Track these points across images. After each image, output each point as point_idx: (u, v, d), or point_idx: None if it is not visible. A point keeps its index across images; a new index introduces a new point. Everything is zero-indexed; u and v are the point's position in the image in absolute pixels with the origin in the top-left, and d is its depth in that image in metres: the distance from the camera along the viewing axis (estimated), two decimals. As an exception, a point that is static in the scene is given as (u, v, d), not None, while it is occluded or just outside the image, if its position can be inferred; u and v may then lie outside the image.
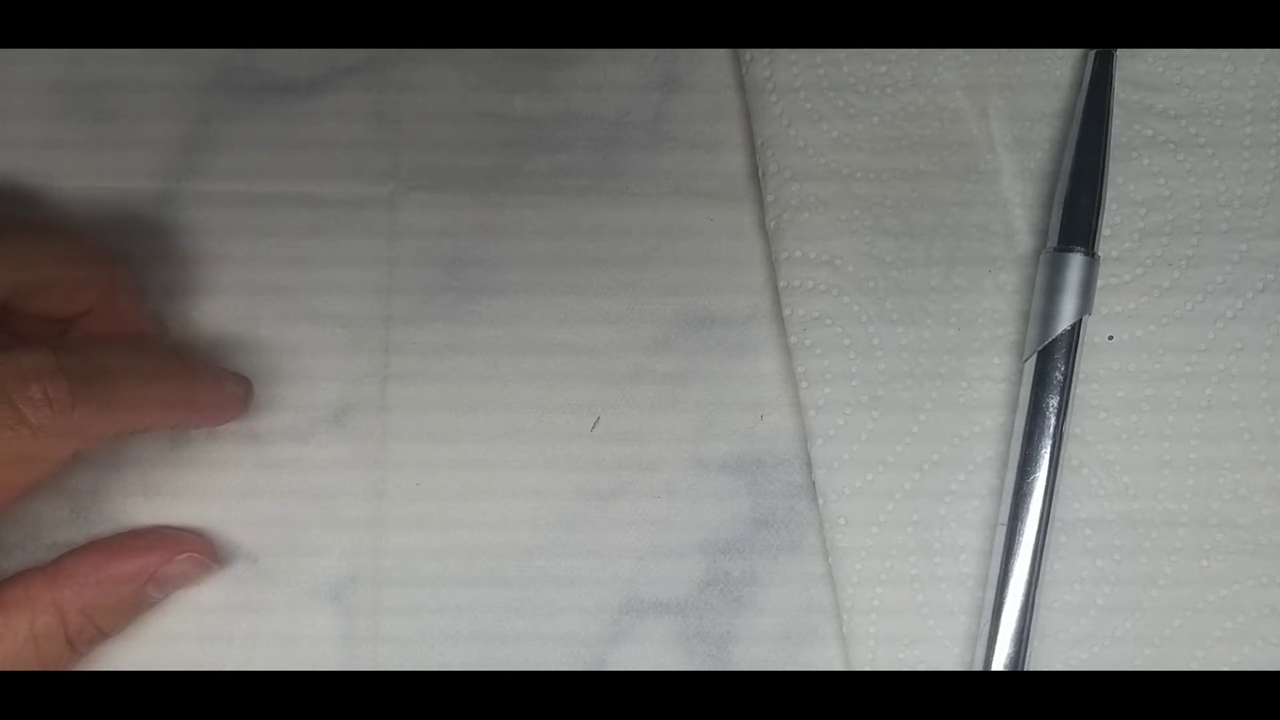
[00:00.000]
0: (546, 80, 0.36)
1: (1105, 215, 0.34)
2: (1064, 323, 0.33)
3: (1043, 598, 0.33)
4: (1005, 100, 0.35)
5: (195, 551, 0.34)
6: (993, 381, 0.35)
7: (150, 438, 0.35)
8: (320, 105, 0.36)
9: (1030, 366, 0.33)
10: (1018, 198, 0.35)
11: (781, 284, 0.35)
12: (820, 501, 0.34)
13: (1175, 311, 0.35)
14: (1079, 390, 0.34)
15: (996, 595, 0.33)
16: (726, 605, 0.35)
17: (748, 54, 0.35)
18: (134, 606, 0.33)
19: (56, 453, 0.30)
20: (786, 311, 0.35)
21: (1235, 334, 0.34)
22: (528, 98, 0.36)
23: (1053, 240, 0.34)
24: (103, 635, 0.33)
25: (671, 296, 0.36)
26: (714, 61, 0.36)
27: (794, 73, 0.35)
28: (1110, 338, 0.35)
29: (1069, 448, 0.34)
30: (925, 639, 0.34)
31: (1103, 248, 0.34)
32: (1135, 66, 0.35)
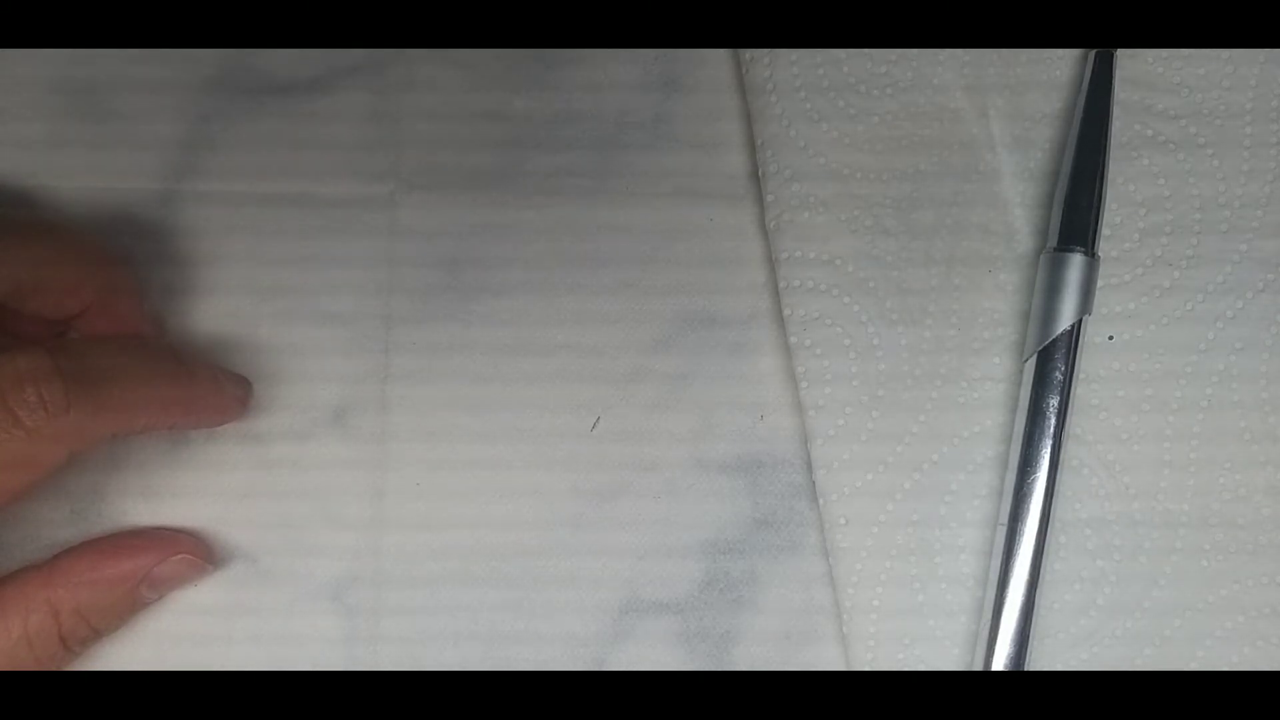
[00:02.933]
0: (546, 80, 0.36)
1: (1105, 215, 0.34)
2: (1064, 323, 0.33)
3: (1043, 598, 0.33)
4: (1005, 100, 0.35)
5: (190, 552, 0.34)
6: (993, 382, 0.35)
7: (149, 438, 0.35)
8: (320, 105, 0.36)
9: (1030, 367, 0.33)
10: (1018, 198, 0.35)
11: (781, 284, 0.35)
12: (820, 501, 0.34)
13: (1175, 311, 0.35)
14: (1079, 390, 0.34)
15: (997, 595, 0.33)
16: (726, 605, 0.35)
17: (748, 54, 0.35)
18: (128, 607, 0.33)
19: (51, 455, 0.30)
20: (786, 311, 0.35)
21: (1235, 334, 0.34)
22: (528, 98, 0.36)
23: (1053, 240, 0.34)
24: (97, 635, 0.33)
25: (671, 296, 0.36)
26: (714, 62, 0.36)
27: (794, 73, 0.35)
28: (1110, 338, 0.35)
29: (1069, 448, 0.34)
30: (925, 639, 0.34)
31: (1103, 248, 0.34)
32: (1135, 66, 0.35)
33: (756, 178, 0.35)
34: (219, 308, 0.35)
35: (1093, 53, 0.34)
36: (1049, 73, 0.35)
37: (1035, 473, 0.33)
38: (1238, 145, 0.35)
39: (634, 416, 0.35)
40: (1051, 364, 0.33)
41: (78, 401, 0.29)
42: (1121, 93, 0.35)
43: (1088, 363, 0.34)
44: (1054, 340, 0.33)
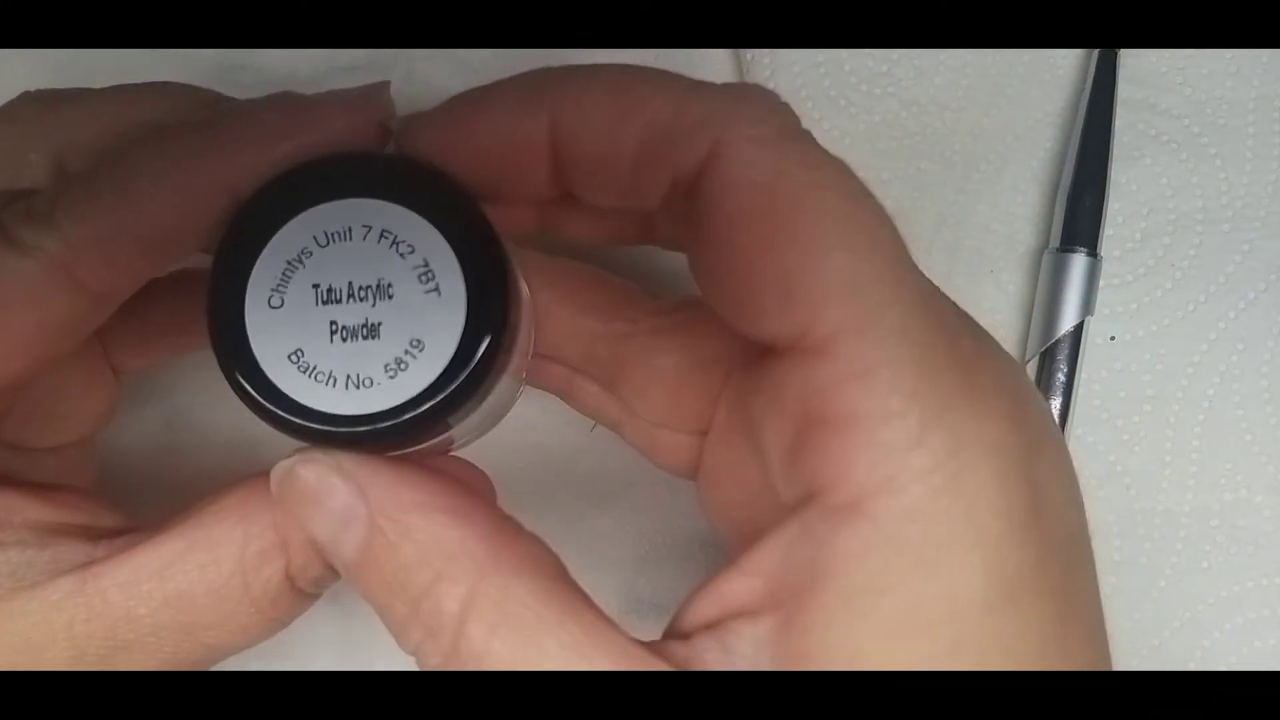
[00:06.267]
0: (546, 78, 0.36)
1: (1107, 215, 0.34)
2: (1066, 324, 0.33)
3: (1044, 599, 0.33)
4: (1008, 99, 0.35)
5: None
6: (994, 382, 0.34)
7: (145, 442, 0.35)
8: (318, 103, 0.36)
9: (1032, 368, 0.33)
10: (1020, 198, 0.35)
11: (782, 284, 0.35)
12: (821, 502, 0.34)
13: (1177, 312, 0.34)
14: (1080, 392, 0.34)
15: (997, 596, 0.33)
16: (726, 606, 0.35)
17: (748, 53, 0.35)
18: None
19: (55, 287, 0.23)
20: (787, 312, 0.35)
21: (1237, 334, 0.34)
22: (527, 96, 0.36)
23: (1055, 240, 0.34)
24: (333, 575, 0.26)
25: (671, 296, 0.35)
26: (714, 61, 0.36)
27: (795, 71, 0.35)
28: (1112, 338, 0.34)
29: (1069, 449, 0.34)
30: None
31: (1104, 248, 0.34)
32: (1138, 65, 0.35)
33: (757, 177, 0.35)
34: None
35: (1095, 52, 0.34)
36: (1052, 71, 0.35)
37: (1036, 474, 0.33)
38: (1240, 144, 0.35)
39: (634, 417, 0.35)
40: (1054, 366, 0.33)
41: (65, 202, 0.23)
42: (1124, 91, 0.34)
43: (1089, 363, 0.34)
44: (1056, 342, 0.33)
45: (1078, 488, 0.25)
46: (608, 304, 0.29)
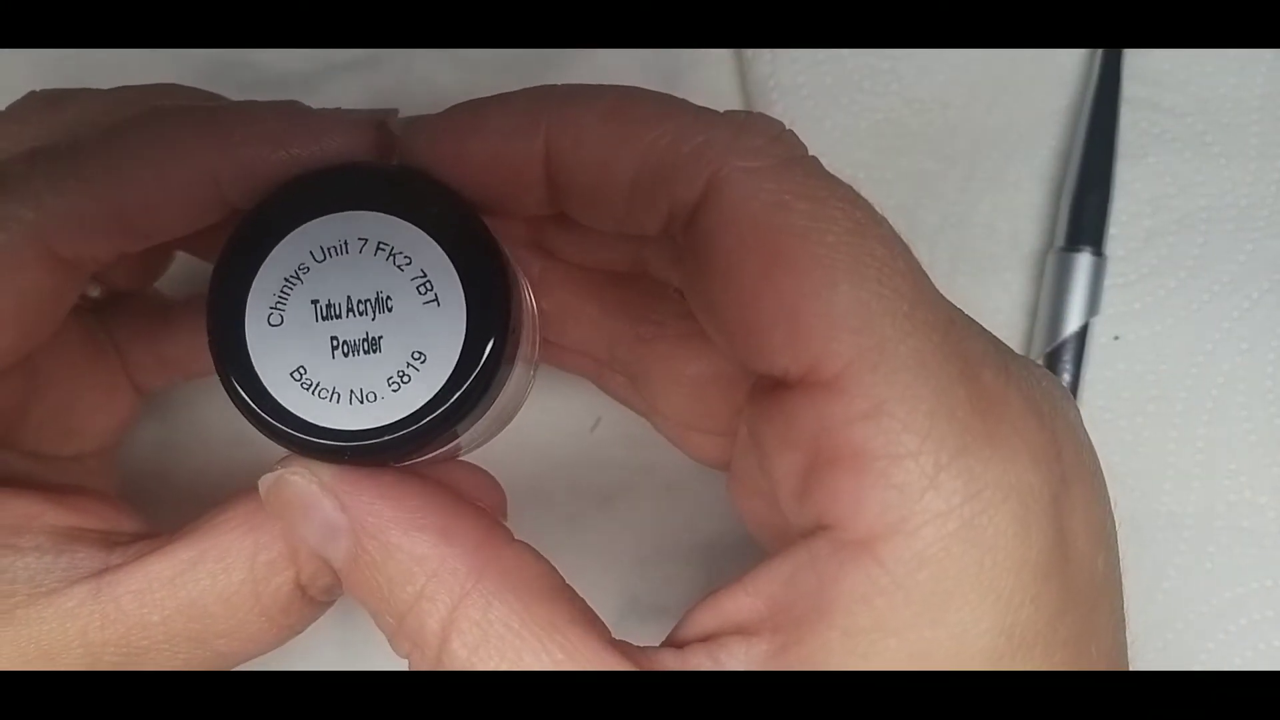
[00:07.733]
0: (545, 77, 0.35)
1: (1112, 214, 0.34)
2: (1072, 325, 0.33)
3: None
4: (1011, 97, 0.35)
5: None
6: (997, 383, 0.34)
7: (141, 441, 0.34)
8: (315, 101, 0.35)
9: (1036, 369, 0.33)
10: (1023, 196, 0.34)
11: (783, 284, 0.34)
12: (822, 504, 0.34)
13: (1181, 311, 0.34)
14: (1083, 393, 0.34)
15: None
16: (727, 608, 0.34)
17: (749, 51, 0.35)
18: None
19: (31, 254, 0.23)
20: (788, 311, 0.34)
21: (1241, 334, 0.34)
22: (526, 94, 0.35)
23: (1060, 240, 0.33)
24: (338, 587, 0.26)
25: (672, 296, 0.35)
26: (715, 59, 0.35)
27: (796, 69, 0.35)
28: (1116, 338, 0.34)
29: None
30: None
31: (1108, 247, 0.34)
32: (1143, 63, 0.34)
33: (758, 176, 0.35)
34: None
35: (1099, 50, 0.34)
36: (1055, 69, 0.35)
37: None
38: (1245, 143, 0.34)
39: (634, 417, 0.35)
40: (1059, 366, 0.33)
41: (46, 171, 0.23)
42: (1128, 89, 0.34)
43: (1093, 362, 0.34)
44: (1062, 342, 0.33)
45: (1110, 524, 0.25)
46: (637, 304, 0.29)
